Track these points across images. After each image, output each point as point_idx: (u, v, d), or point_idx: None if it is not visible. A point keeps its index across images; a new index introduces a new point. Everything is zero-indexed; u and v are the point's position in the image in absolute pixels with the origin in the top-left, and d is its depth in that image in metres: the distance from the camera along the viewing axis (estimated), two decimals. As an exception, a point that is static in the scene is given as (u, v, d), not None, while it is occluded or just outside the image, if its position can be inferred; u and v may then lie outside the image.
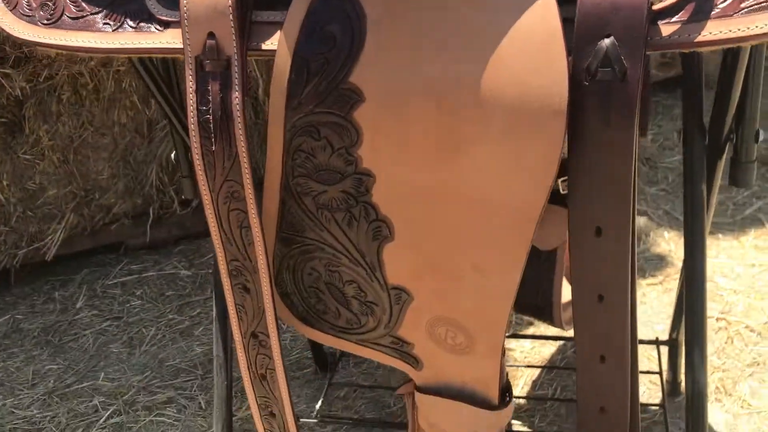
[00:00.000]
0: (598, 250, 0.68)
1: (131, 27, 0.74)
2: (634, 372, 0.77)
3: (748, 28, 0.58)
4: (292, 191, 0.74)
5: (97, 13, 0.75)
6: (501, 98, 0.63)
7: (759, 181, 2.18)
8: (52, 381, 1.72)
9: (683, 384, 1.48)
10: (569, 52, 0.61)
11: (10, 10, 0.77)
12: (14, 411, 1.64)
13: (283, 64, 0.69)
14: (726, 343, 1.58)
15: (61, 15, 0.76)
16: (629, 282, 0.70)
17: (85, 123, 1.94)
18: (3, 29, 0.77)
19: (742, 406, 1.41)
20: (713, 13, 0.60)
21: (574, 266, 0.71)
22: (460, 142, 0.65)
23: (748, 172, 0.95)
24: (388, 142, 0.67)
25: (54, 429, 1.57)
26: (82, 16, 0.75)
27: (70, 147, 1.95)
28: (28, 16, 0.77)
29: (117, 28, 0.74)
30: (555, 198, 1.35)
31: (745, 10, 0.59)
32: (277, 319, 0.81)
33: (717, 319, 1.65)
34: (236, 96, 0.68)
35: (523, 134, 0.63)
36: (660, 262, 1.89)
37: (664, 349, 1.44)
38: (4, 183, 1.91)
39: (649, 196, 2.16)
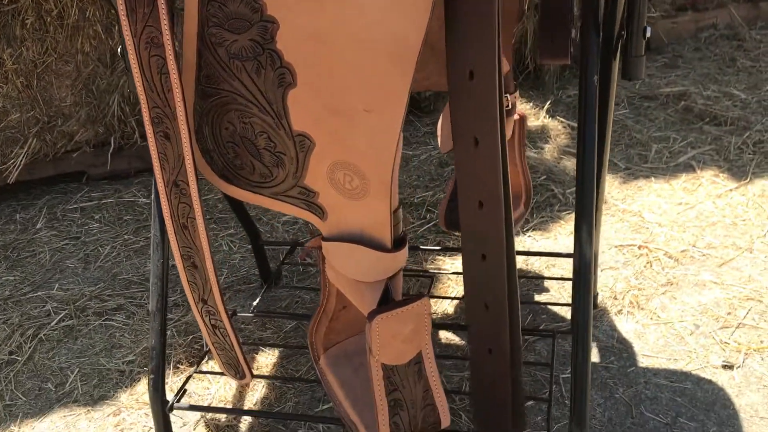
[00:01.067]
0: (471, 94, 0.77)
1: None
2: (511, 271, 0.87)
3: None
4: (207, 42, 0.82)
5: None
6: (382, -55, 0.71)
7: (696, 133, 2.29)
8: (8, 290, 1.79)
9: (599, 297, 1.58)
10: None
11: None
12: (-30, 314, 1.71)
13: None
14: (645, 267, 1.69)
15: None
16: (498, 127, 0.79)
17: (49, 49, 2.01)
18: None
19: (651, 318, 1.52)
20: None
21: (452, 111, 0.80)
22: (348, -15, 0.74)
23: (638, 66, 1.05)
24: (288, -11, 0.76)
25: (7, 329, 1.65)
26: None
27: (34, 72, 2.01)
28: None
29: None
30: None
31: None
32: (195, 167, 0.89)
33: (639, 247, 1.76)
34: (164, 19, 0.77)
35: (401, -23, 0.72)
36: (594, 200, 2.00)
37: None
38: (-32, 104, 1.97)
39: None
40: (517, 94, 1.48)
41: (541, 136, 2.35)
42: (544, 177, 2.10)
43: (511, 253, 0.86)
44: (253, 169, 0.90)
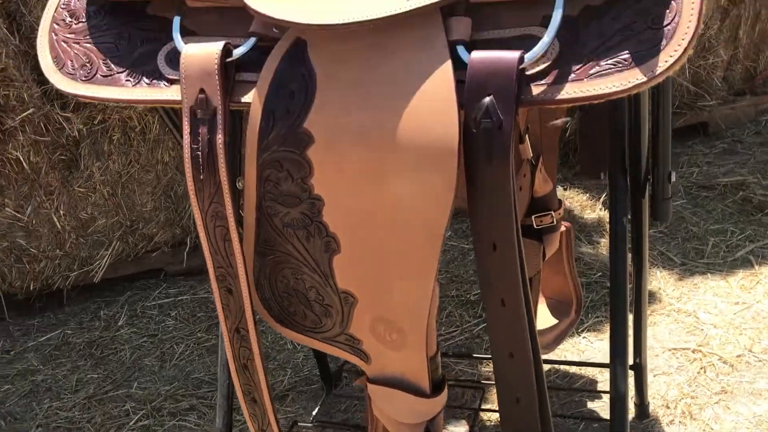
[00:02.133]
0: (495, 262, 0.85)
1: (146, 83, 0.96)
2: (538, 367, 0.94)
3: (592, 90, 0.77)
4: (264, 212, 0.93)
5: (121, 72, 0.98)
6: (411, 140, 0.82)
7: (755, 225, 2.29)
8: (92, 388, 1.94)
9: (650, 406, 1.60)
10: (462, 105, 0.80)
11: (59, 70, 1.01)
12: (58, 412, 1.86)
13: (255, 114, 0.89)
14: (699, 372, 1.70)
15: (95, 74, 0.99)
16: (521, 288, 0.86)
17: (133, 161, 2.20)
18: (53, 84, 1.00)
19: (704, 431, 1.53)
20: (570, 77, 0.79)
21: (480, 276, 0.88)
22: (384, 173, 0.84)
23: (666, 208, 1.11)
24: (332, 173, 0.87)
25: (91, 428, 1.79)
26: (111, 75, 0.98)
27: (119, 182, 2.21)
28: (71, 74, 1.00)
29: (136, 84, 0.96)
30: (529, 233, 1.52)
31: (593, 76, 0.77)
32: (254, 316, 1.00)
33: (693, 351, 1.77)
34: (219, 137, 0.89)
35: (429, 168, 0.81)
36: (649, 298, 2.02)
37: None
38: (61, 212, 2.17)
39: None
40: (561, 209, 1.55)
41: (596, 229, 2.39)
42: (599, 274, 2.14)
43: (537, 353, 0.91)
44: (305, 316, 1.00)
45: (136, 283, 2.41)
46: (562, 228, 1.59)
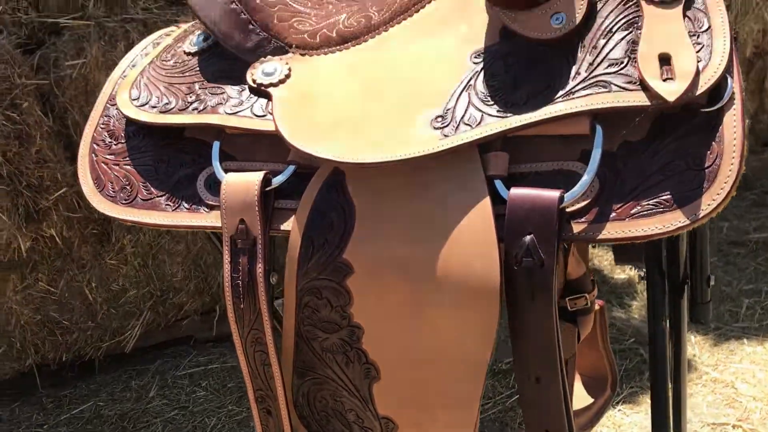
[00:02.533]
0: (539, 394, 0.85)
1: (186, 208, 0.97)
2: None
3: (634, 231, 0.76)
4: (303, 336, 0.94)
5: (161, 195, 0.99)
6: (451, 276, 0.82)
7: (790, 286, 2.26)
8: (125, 464, 1.94)
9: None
10: (502, 239, 0.80)
11: (99, 191, 1.03)
12: (92, 490, 1.87)
13: (295, 241, 0.90)
14: (740, 450, 1.67)
15: (135, 197, 1.00)
16: (566, 419, 0.86)
17: (163, 232, 2.22)
18: (93, 206, 1.02)
19: None
20: (611, 216, 0.78)
21: (522, 409, 0.88)
22: (424, 307, 0.84)
23: (706, 311, 1.10)
24: (372, 303, 0.87)
25: None
26: (150, 198, 0.99)
27: (149, 253, 2.23)
28: (112, 196, 1.02)
29: (176, 209, 0.98)
30: (564, 315, 1.51)
31: (634, 216, 0.77)
32: (293, 435, 1.00)
33: (733, 426, 1.74)
34: (260, 267, 0.90)
35: (471, 306, 0.81)
36: (684, 366, 1.99)
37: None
38: (93, 285, 2.20)
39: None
40: (595, 291, 1.54)
41: (627, 291, 2.37)
42: (632, 340, 2.11)
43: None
44: (344, 434, 1.00)
45: (166, 351, 2.42)
46: (596, 306, 1.57)
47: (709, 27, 0.80)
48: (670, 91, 0.75)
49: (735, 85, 0.77)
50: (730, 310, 2.19)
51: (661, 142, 0.79)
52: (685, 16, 0.81)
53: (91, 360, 2.33)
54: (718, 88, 0.78)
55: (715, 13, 0.81)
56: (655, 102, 0.77)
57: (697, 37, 0.80)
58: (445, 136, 0.84)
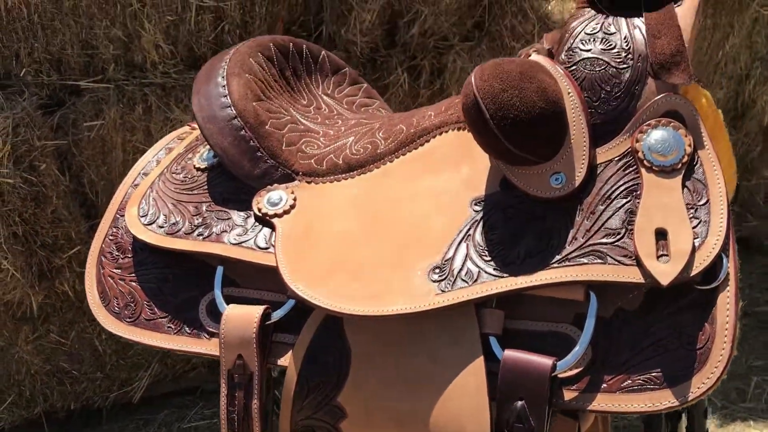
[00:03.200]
0: None
1: (188, 333, 0.99)
2: None
3: (623, 406, 0.77)
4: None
5: (164, 317, 1.01)
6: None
7: (799, 365, 2.24)
8: None
9: None
10: (493, 398, 0.81)
11: (105, 306, 1.05)
12: None
13: (291, 378, 0.92)
14: None
15: (139, 315, 1.02)
16: None
17: (174, 287, 2.24)
18: (98, 320, 1.04)
19: None
20: (602, 386, 0.79)
21: None
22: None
23: (702, 440, 1.10)
24: (364, 449, 0.89)
25: None
26: (153, 319, 1.01)
27: (160, 307, 2.25)
28: (116, 313, 1.04)
29: (177, 332, 1.00)
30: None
31: (625, 389, 0.78)
32: None
33: None
34: (255, 403, 0.92)
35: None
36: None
37: None
38: (103, 336, 2.22)
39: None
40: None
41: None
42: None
43: None
44: None
45: (173, 401, 2.44)
46: None
47: (708, 201, 0.80)
48: (664, 273, 0.76)
49: (730, 265, 0.78)
50: (738, 388, 2.17)
51: (656, 316, 0.80)
52: (684, 186, 0.82)
53: (99, 409, 2.36)
54: (713, 267, 0.78)
55: (714, 185, 0.81)
56: (649, 281, 0.77)
57: (695, 211, 0.80)
58: (442, 291, 0.85)
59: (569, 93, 0.86)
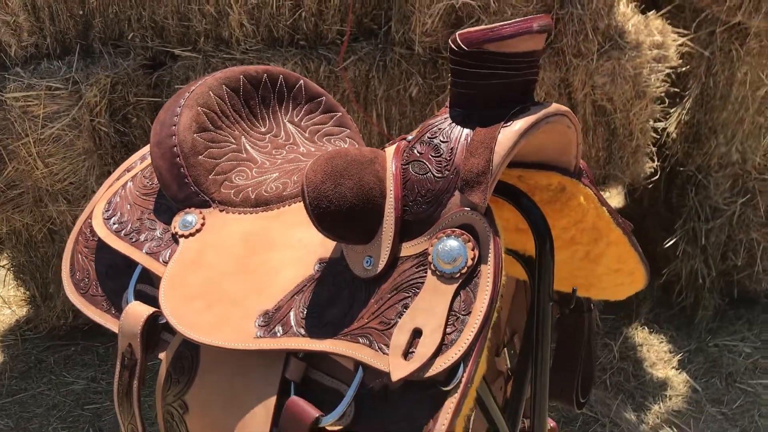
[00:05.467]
0: None
1: (112, 313, 1.24)
2: None
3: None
4: (168, 436, 1.19)
5: (102, 296, 1.27)
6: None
7: None
8: None
9: None
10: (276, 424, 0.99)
11: (70, 275, 1.32)
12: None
13: (162, 371, 1.14)
14: None
15: (88, 290, 1.28)
16: None
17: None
18: (63, 283, 1.32)
19: None
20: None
21: None
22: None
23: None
24: (201, 439, 1.10)
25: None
26: (96, 296, 1.27)
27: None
28: (75, 283, 1.30)
29: (107, 310, 1.25)
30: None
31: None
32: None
33: None
34: (136, 383, 1.15)
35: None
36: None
37: None
38: None
39: None
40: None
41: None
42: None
43: None
44: None
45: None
46: (550, 425, 1.67)
47: (470, 314, 0.90)
48: (399, 369, 0.88)
49: (466, 375, 0.87)
50: (749, 445, 2.12)
51: (406, 400, 0.92)
52: (458, 294, 0.91)
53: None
54: (457, 373, 0.88)
55: (480, 300, 0.90)
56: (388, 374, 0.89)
57: (456, 320, 0.90)
58: (259, 336, 1.02)
59: (390, 191, 0.97)
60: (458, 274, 0.92)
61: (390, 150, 1.03)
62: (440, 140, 0.98)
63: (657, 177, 2.43)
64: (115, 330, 1.22)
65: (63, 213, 2.36)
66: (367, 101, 2.27)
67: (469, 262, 0.92)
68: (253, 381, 1.03)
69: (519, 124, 0.94)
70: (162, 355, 1.16)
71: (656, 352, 2.49)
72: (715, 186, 2.39)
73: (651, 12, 2.31)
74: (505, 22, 0.95)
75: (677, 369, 2.42)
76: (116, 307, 1.25)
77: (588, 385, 1.54)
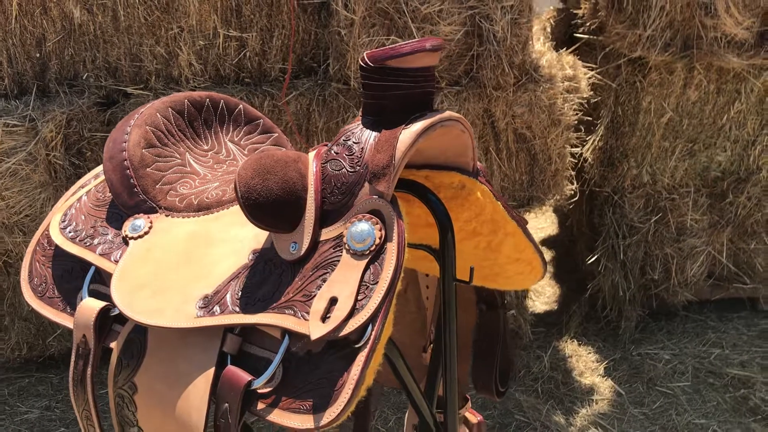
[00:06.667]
0: None
1: (68, 312, 1.37)
2: None
3: (286, 421, 1.05)
4: (118, 413, 1.31)
5: (59, 298, 1.39)
6: (180, 413, 1.15)
7: (740, 430, 2.31)
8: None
9: None
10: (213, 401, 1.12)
11: (29, 282, 1.44)
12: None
13: (113, 359, 1.27)
14: None
15: (45, 293, 1.41)
16: None
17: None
18: (22, 290, 1.44)
19: None
20: (279, 404, 1.07)
21: None
22: (166, 420, 1.18)
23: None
24: (146, 414, 1.22)
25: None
26: (53, 297, 1.40)
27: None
28: (33, 288, 1.43)
29: (63, 310, 1.38)
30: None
31: (291, 410, 1.05)
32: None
33: None
34: (89, 370, 1.28)
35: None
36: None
37: None
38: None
39: None
40: (463, 410, 1.78)
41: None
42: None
43: None
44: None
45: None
46: (475, 420, 1.82)
47: (377, 283, 1.06)
48: (317, 330, 1.04)
49: (373, 333, 1.03)
50: (667, 440, 2.29)
51: (325, 360, 1.07)
52: (368, 268, 1.08)
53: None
54: (365, 332, 1.04)
55: (387, 270, 1.06)
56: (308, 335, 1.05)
57: (367, 289, 1.06)
58: (198, 316, 1.17)
59: (311, 185, 1.14)
60: (368, 252, 1.08)
61: (312, 153, 1.20)
62: (353, 141, 1.15)
63: (578, 199, 2.64)
64: (70, 326, 1.35)
65: (18, 245, 2.47)
66: (309, 132, 2.45)
67: (377, 241, 1.08)
68: (194, 356, 1.17)
69: (417, 126, 1.12)
70: (113, 344, 1.29)
71: (584, 362, 2.67)
72: (629, 206, 2.61)
73: (563, 49, 2.56)
74: (404, 42, 1.14)
75: (603, 376, 2.60)
76: (71, 306, 1.38)
77: (506, 377, 1.71)
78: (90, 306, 1.30)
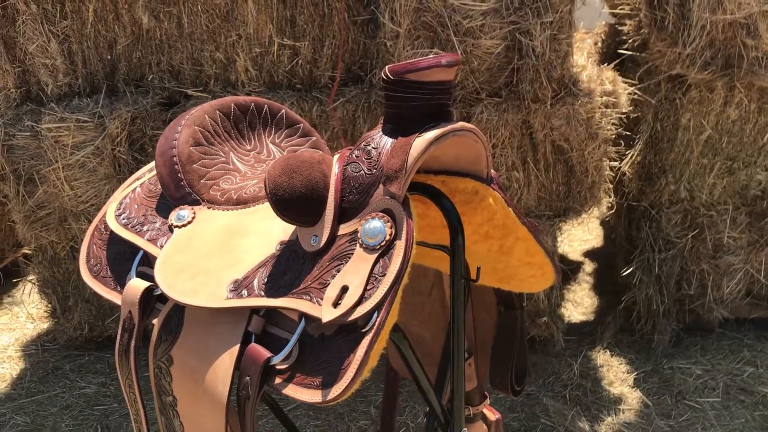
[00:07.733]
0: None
1: (118, 290, 1.53)
2: None
3: (299, 395, 1.17)
4: (157, 389, 1.45)
5: (111, 278, 1.55)
6: (208, 384, 1.28)
7: (761, 448, 2.32)
8: None
9: None
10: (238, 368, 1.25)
11: (86, 262, 1.61)
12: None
13: (155, 332, 1.42)
14: None
15: (99, 273, 1.57)
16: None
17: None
18: (80, 269, 1.61)
19: None
20: (294, 380, 1.19)
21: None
22: (196, 395, 1.32)
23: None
24: (180, 385, 1.36)
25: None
26: (106, 277, 1.56)
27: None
28: (89, 268, 1.59)
29: (114, 288, 1.53)
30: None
31: (304, 385, 1.17)
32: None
33: None
34: (133, 343, 1.43)
35: (208, 404, 1.27)
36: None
37: None
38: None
39: None
40: (482, 406, 1.87)
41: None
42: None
43: None
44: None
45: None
46: (493, 417, 1.91)
47: (385, 275, 1.17)
48: (328, 314, 1.15)
49: (378, 319, 1.14)
50: (690, 453, 2.32)
51: (336, 341, 1.19)
52: (378, 261, 1.19)
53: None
54: (371, 318, 1.15)
55: (394, 265, 1.17)
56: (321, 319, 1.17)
57: (376, 280, 1.17)
58: (228, 298, 1.30)
59: (332, 184, 1.26)
60: (378, 247, 1.19)
61: (337, 155, 1.33)
62: (372, 147, 1.27)
63: (615, 212, 2.69)
64: (119, 303, 1.50)
65: (84, 232, 2.67)
66: (354, 137, 2.58)
67: (387, 237, 1.19)
68: (223, 334, 1.30)
69: (430, 135, 1.23)
70: (155, 321, 1.44)
71: (615, 372, 2.72)
72: (666, 220, 2.65)
73: (608, 63, 2.62)
74: (423, 57, 1.25)
75: (632, 387, 2.64)
76: (121, 285, 1.53)
77: (522, 376, 1.79)
78: (136, 285, 1.45)
